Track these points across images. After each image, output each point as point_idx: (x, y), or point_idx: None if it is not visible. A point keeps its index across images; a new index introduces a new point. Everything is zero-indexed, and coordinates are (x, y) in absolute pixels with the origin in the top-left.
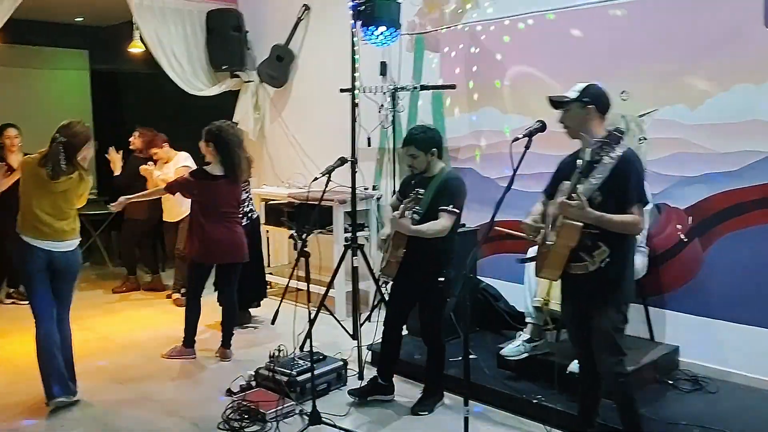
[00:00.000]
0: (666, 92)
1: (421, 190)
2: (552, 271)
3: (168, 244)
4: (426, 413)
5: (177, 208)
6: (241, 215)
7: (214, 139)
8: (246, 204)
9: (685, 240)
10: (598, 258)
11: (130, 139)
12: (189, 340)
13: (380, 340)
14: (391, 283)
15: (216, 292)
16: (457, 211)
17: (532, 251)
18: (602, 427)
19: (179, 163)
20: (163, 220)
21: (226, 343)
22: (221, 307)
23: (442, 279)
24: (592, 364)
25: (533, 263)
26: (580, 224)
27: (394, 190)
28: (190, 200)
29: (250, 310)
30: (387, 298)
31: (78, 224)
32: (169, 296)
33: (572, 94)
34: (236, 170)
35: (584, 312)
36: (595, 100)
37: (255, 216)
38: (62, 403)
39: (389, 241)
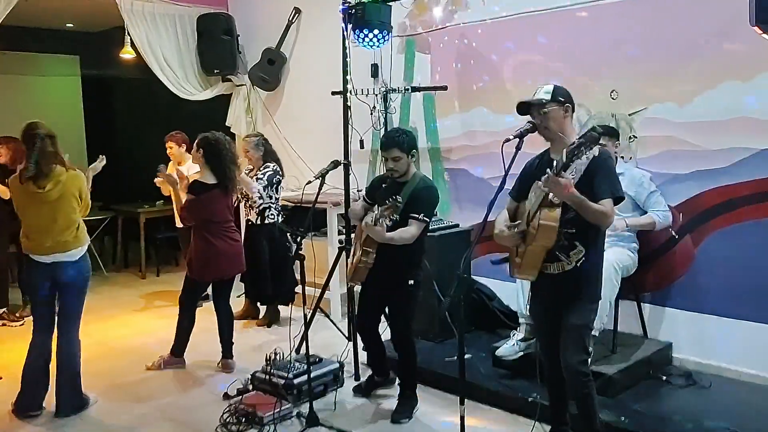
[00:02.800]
0: (655, 90)
1: (400, 198)
2: (530, 272)
3: (183, 247)
4: (406, 420)
5: None
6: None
7: (206, 146)
8: (260, 201)
9: (677, 237)
10: (574, 257)
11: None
12: (179, 349)
13: (362, 347)
14: (360, 288)
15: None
16: (428, 220)
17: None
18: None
19: (192, 169)
20: (177, 225)
21: (227, 353)
22: (217, 318)
23: (412, 282)
24: (559, 365)
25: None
26: (557, 224)
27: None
28: None
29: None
30: (357, 304)
31: (82, 232)
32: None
33: (544, 95)
34: (228, 182)
35: (556, 312)
36: (568, 99)
37: (271, 221)
38: (26, 415)
39: (357, 247)
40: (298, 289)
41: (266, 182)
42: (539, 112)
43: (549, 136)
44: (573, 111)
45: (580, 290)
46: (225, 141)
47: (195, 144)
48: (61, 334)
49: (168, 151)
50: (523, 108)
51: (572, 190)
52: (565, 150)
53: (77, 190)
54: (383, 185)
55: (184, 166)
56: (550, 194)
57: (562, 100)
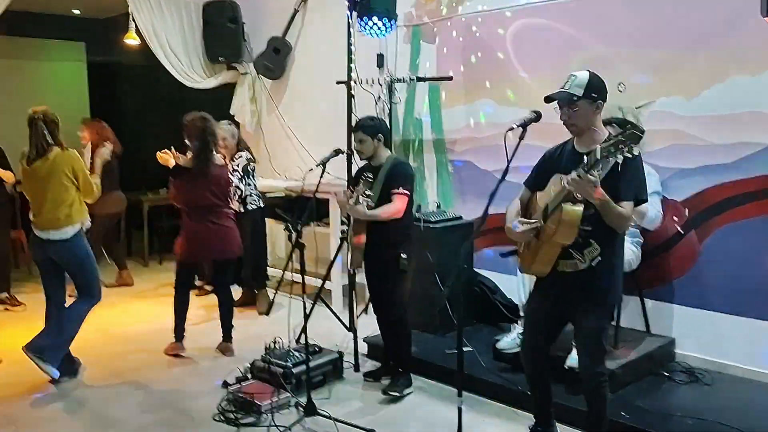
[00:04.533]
0: (662, 83)
1: (370, 175)
2: (543, 268)
3: None
4: (397, 394)
5: None
6: (228, 207)
7: (185, 131)
8: (239, 192)
9: (682, 232)
10: (588, 256)
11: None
12: (178, 334)
13: (379, 327)
14: (363, 273)
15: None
16: (408, 192)
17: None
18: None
19: None
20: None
21: (226, 337)
22: (218, 302)
23: (405, 255)
24: (544, 361)
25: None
26: (579, 222)
27: None
28: None
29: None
30: (368, 289)
31: (76, 211)
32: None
33: (577, 90)
34: (197, 161)
35: (563, 310)
36: (601, 94)
37: (254, 207)
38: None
39: (349, 233)
40: (271, 272)
41: (241, 173)
42: (569, 107)
43: (576, 131)
44: (605, 102)
45: (595, 291)
46: (192, 118)
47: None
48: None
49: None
50: (551, 97)
51: (601, 191)
52: (599, 146)
53: (69, 169)
54: (364, 173)
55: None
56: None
57: (595, 96)
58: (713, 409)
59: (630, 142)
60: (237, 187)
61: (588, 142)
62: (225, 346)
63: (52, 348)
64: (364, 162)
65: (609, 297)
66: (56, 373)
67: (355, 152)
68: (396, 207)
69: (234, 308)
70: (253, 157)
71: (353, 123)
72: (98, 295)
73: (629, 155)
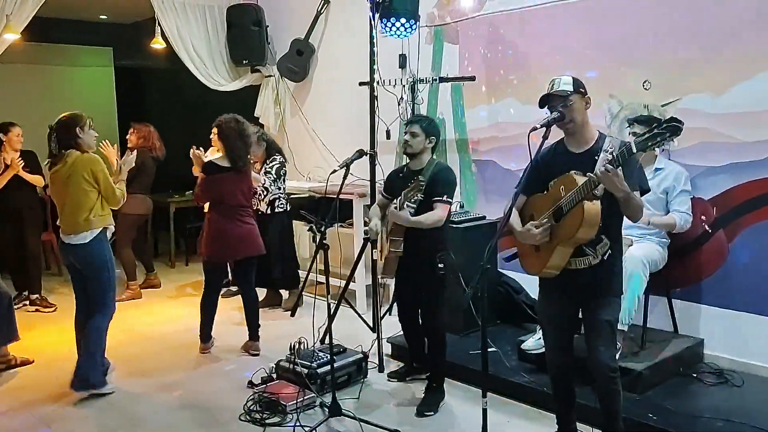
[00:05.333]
0: (689, 81)
1: (422, 177)
2: (555, 268)
3: None
4: (432, 413)
5: None
6: (253, 209)
7: (217, 131)
8: (266, 193)
9: (710, 231)
10: (600, 251)
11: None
12: (204, 335)
13: (402, 331)
14: (394, 280)
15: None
16: (451, 201)
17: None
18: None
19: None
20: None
21: (253, 336)
22: (243, 302)
23: (442, 266)
24: (570, 367)
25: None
26: (599, 217)
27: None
28: None
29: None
30: (396, 296)
31: (97, 216)
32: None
33: (566, 87)
34: (236, 162)
35: (576, 307)
36: (586, 91)
37: (281, 210)
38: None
39: (384, 239)
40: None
41: (275, 175)
42: (563, 105)
43: (573, 129)
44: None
45: (608, 284)
46: (230, 119)
47: (214, 126)
48: (91, 313)
49: (212, 137)
50: (545, 101)
51: (622, 179)
52: (634, 140)
53: (88, 173)
54: (400, 175)
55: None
56: (598, 187)
57: (583, 91)
58: (743, 410)
59: (670, 134)
60: (266, 188)
61: (581, 141)
62: (250, 345)
63: (92, 370)
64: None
65: (617, 288)
66: (110, 387)
67: (402, 144)
68: (438, 215)
69: (259, 308)
70: (286, 160)
71: (373, 122)
72: (112, 306)
73: (666, 147)
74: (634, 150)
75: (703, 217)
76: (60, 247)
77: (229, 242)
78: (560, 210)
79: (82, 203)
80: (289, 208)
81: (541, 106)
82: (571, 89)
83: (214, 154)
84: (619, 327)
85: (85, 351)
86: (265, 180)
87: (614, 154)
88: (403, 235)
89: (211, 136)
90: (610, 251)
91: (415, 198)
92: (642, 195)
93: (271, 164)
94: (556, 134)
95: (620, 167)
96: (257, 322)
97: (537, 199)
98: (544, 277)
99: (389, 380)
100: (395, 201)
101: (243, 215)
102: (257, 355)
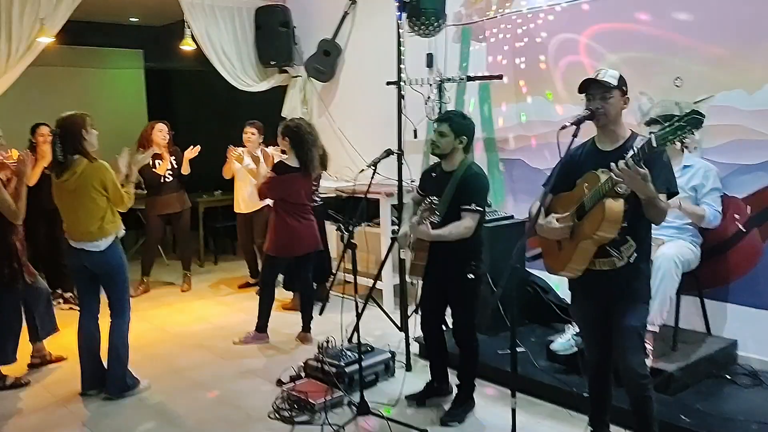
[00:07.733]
0: (723, 77)
1: (436, 200)
2: (578, 268)
3: (240, 236)
4: (456, 423)
5: (252, 200)
6: (310, 206)
7: (290, 134)
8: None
9: (744, 230)
10: (625, 253)
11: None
12: (262, 326)
13: (424, 343)
14: (421, 283)
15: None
16: (481, 209)
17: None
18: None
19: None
20: (235, 211)
21: (306, 327)
22: (298, 294)
23: (471, 276)
24: (608, 367)
25: None
26: (622, 217)
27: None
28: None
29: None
30: (419, 300)
31: (109, 223)
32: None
33: (611, 79)
34: (308, 165)
35: (605, 310)
36: (626, 91)
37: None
38: (88, 395)
39: (412, 244)
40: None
41: None
42: (602, 96)
43: (604, 123)
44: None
45: (635, 289)
46: (305, 124)
47: (279, 133)
48: (111, 319)
49: (245, 137)
50: (586, 86)
51: (649, 182)
52: (654, 134)
53: (98, 182)
54: (432, 174)
55: (258, 153)
56: (619, 185)
57: (624, 89)
58: None
59: (690, 127)
60: None
61: (612, 138)
62: (304, 336)
63: (122, 370)
64: (431, 161)
65: (646, 292)
66: (144, 383)
67: (429, 143)
68: (466, 226)
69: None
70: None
71: (401, 121)
72: (128, 307)
73: (687, 141)
74: (654, 144)
75: (736, 216)
76: (68, 251)
77: (297, 238)
78: (582, 207)
79: (93, 212)
80: (322, 202)
81: (581, 91)
82: (615, 84)
83: (275, 153)
84: (650, 328)
85: (114, 357)
86: None
87: (635, 148)
88: (428, 245)
89: (280, 140)
90: (636, 254)
91: (431, 219)
92: (670, 198)
93: None
94: (586, 133)
95: (642, 162)
96: (311, 314)
97: (562, 197)
98: (566, 276)
99: (408, 404)
100: (418, 211)
101: (306, 212)
102: (310, 344)
